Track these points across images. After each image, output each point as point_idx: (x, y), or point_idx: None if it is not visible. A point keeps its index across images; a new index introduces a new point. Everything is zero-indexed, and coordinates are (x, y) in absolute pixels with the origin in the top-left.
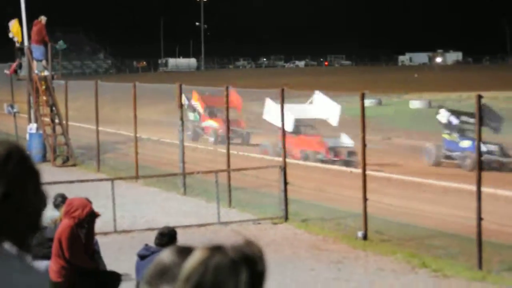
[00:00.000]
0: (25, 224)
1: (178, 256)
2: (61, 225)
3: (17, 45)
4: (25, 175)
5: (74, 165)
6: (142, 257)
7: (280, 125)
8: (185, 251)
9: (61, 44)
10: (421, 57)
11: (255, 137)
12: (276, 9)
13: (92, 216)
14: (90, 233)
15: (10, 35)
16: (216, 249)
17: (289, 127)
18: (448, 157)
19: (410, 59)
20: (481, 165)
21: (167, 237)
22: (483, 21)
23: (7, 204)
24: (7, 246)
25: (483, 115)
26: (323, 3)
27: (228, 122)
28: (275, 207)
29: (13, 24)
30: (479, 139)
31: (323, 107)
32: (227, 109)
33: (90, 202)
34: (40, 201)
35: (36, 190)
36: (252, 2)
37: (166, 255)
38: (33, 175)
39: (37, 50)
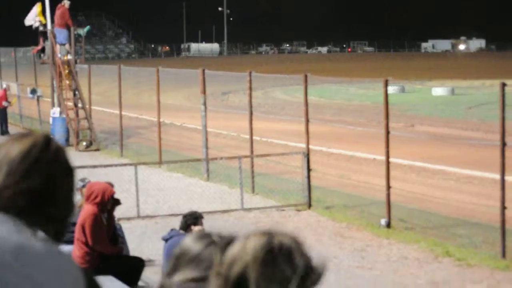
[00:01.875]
0: (58, 212)
1: (204, 244)
2: (84, 211)
3: (41, 28)
4: (61, 164)
5: (97, 149)
6: (166, 240)
7: None
8: (207, 238)
9: (84, 31)
10: (444, 44)
11: (278, 123)
12: None
13: (114, 199)
14: (111, 217)
15: (36, 20)
16: (271, 235)
17: None
18: None
19: (433, 46)
20: None
21: (189, 218)
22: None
23: (45, 192)
24: (40, 233)
25: None
26: None
27: None
28: (298, 193)
29: (37, 7)
30: None
31: None
32: None
33: (112, 185)
34: (69, 190)
35: (68, 179)
36: None
37: (191, 243)
38: (67, 166)
39: (60, 34)
